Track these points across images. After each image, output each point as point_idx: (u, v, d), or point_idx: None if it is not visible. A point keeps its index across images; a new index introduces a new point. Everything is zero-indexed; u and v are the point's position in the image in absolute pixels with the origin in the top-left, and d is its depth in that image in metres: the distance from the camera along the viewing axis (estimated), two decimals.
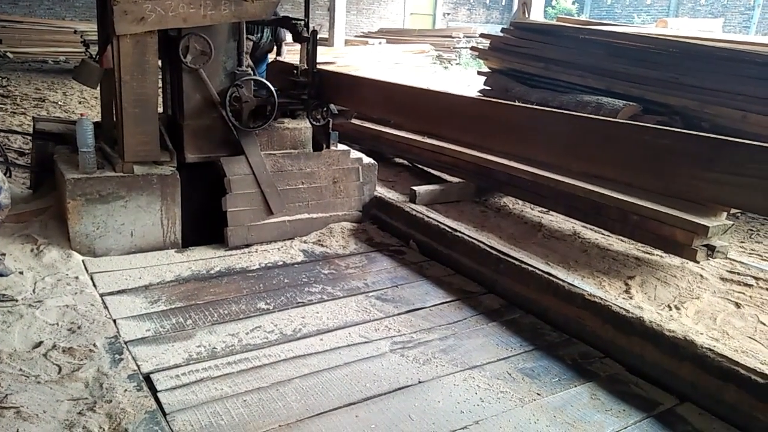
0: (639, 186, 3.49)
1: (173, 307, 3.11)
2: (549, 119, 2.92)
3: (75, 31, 12.13)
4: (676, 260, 3.48)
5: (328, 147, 4.27)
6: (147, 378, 2.48)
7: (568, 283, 3.12)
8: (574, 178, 3.80)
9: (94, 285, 3.24)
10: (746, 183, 2.23)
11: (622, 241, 3.80)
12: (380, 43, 14.70)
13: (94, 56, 4.37)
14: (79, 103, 8.29)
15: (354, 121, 5.48)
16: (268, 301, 3.25)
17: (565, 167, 3.61)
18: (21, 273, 3.19)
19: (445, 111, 3.36)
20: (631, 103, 5.52)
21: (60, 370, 2.44)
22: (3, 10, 14.30)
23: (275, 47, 6.34)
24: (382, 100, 3.95)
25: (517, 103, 3.66)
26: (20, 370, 2.42)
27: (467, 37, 16.66)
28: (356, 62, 11.03)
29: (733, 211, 3.28)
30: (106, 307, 3.01)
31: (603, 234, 3.91)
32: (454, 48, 16.53)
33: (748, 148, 2.24)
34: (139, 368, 2.53)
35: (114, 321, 2.90)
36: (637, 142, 2.60)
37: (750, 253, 3.81)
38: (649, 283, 3.27)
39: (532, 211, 4.42)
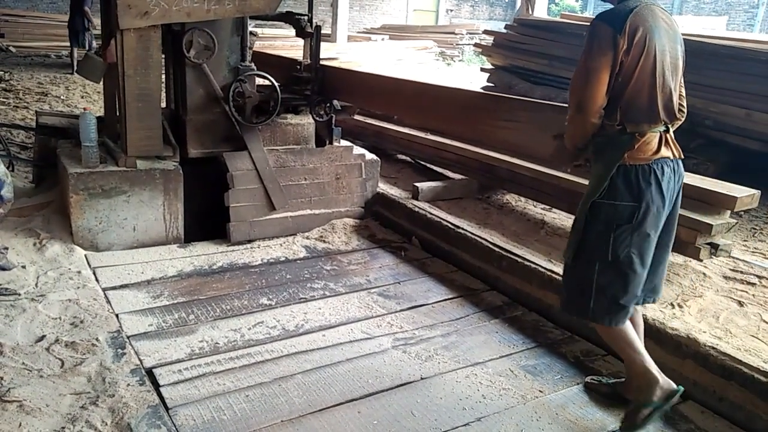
0: (454, 133, 4.55)
1: (176, 302, 3.12)
2: (405, 85, 3.84)
3: None
4: (679, 258, 3.46)
5: (330, 143, 4.26)
6: (149, 372, 2.49)
7: None
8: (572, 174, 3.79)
9: (97, 279, 3.24)
10: (518, 127, 3.02)
11: None
12: (383, 39, 14.66)
13: (97, 50, 4.36)
14: (82, 97, 8.29)
15: (357, 117, 5.48)
16: (271, 297, 3.25)
17: (411, 121, 4.47)
18: (24, 267, 3.19)
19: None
20: None
21: (63, 364, 2.44)
22: (5, 4, 14.29)
23: None
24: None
25: (385, 75, 4.22)
26: (23, 364, 2.42)
27: (470, 33, 16.61)
28: (359, 58, 11.00)
29: (736, 209, 3.26)
30: (108, 302, 3.01)
31: None
32: (456, 44, 16.48)
33: (519, 102, 3.10)
34: (141, 363, 2.53)
35: (116, 315, 2.90)
36: (454, 100, 3.42)
37: (753, 252, 3.80)
38: None
39: (535, 209, 4.41)
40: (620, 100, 2.22)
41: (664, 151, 2.24)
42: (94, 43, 10.25)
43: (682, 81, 2.37)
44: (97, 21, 6.70)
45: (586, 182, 2.38)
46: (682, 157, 2.32)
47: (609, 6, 2.31)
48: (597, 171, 2.29)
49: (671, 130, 2.30)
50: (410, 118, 4.94)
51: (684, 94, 2.39)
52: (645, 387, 2.30)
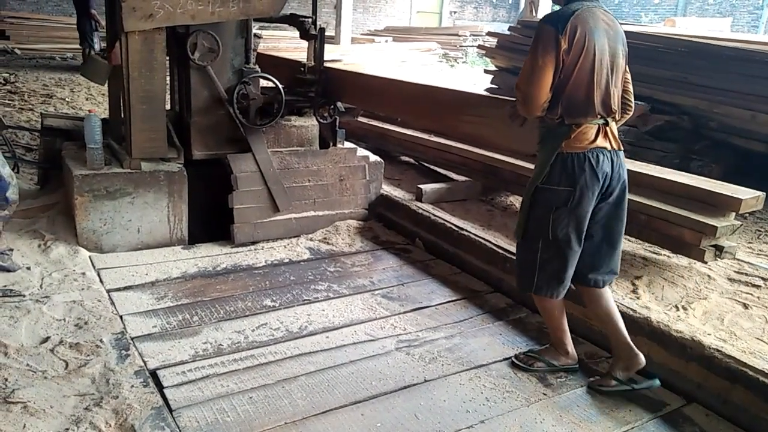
0: (427, 127, 4.84)
1: (179, 303, 3.12)
2: (388, 85, 4.02)
3: None
4: (683, 260, 3.46)
5: (334, 145, 4.27)
6: (153, 374, 2.49)
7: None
8: None
9: (101, 281, 3.25)
10: (483, 122, 3.25)
11: (629, 240, 3.78)
12: (387, 41, 14.65)
13: (102, 53, 4.37)
14: (87, 99, 8.31)
15: (360, 119, 5.47)
16: (274, 299, 3.25)
17: (395, 116, 4.64)
18: (28, 268, 3.20)
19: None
20: (639, 102, 5.48)
21: (67, 365, 2.45)
22: (11, 6, 14.35)
23: None
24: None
25: (384, 76, 4.30)
26: (27, 365, 2.43)
27: (474, 35, 16.59)
28: (363, 60, 11.01)
29: (741, 211, 3.25)
30: (112, 303, 3.01)
31: None
32: (460, 46, 16.47)
33: (484, 98, 3.38)
34: (145, 364, 2.54)
35: (120, 317, 2.91)
36: (427, 97, 3.66)
37: (758, 254, 3.79)
38: (657, 284, 3.26)
39: None
40: (561, 95, 2.40)
41: (601, 142, 2.43)
42: (97, 45, 10.31)
43: (629, 78, 2.61)
44: (102, 23, 6.72)
45: None
46: (622, 148, 2.52)
47: (557, 7, 2.50)
48: (539, 159, 2.53)
49: (612, 124, 2.48)
50: (414, 120, 5.01)
51: (631, 90, 2.62)
52: (555, 350, 2.72)
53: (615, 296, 2.98)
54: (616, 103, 2.48)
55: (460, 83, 8.42)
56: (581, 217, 2.46)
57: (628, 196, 2.56)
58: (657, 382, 2.55)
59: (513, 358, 2.77)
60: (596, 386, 2.59)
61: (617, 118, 2.52)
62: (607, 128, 2.45)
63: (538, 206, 2.50)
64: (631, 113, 2.64)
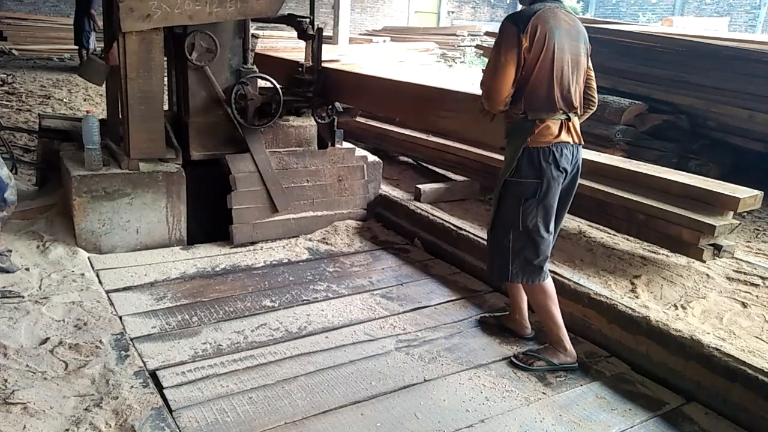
0: (409, 122, 4.98)
1: (179, 304, 3.12)
2: (368, 81, 4.14)
3: None
4: (682, 259, 3.46)
5: (333, 145, 4.27)
6: (153, 375, 2.49)
7: (574, 282, 3.11)
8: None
9: (100, 282, 3.24)
10: (455, 116, 3.39)
11: (627, 240, 3.78)
12: (384, 41, 14.64)
13: (99, 53, 4.37)
14: (84, 100, 8.30)
15: (359, 119, 5.47)
16: (274, 299, 3.25)
17: (378, 112, 4.70)
18: (27, 270, 3.20)
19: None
20: (637, 102, 5.50)
21: (66, 366, 2.45)
22: (8, 7, 14.31)
23: None
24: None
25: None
26: (27, 366, 2.42)
27: (472, 35, 16.59)
28: (360, 60, 11.00)
29: (740, 210, 3.26)
30: (111, 304, 3.01)
31: (609, 233, 3.89)
32: (458, 46, 16.47)
33: (458, 94, 3.41)
34: (145, 365, 2.54)
35: (120, 318, 2.90)
36: (409, 94, 3.79)
37: (756, 253, 3.79)
38: (655, 283, 3.26)
39: None
40: (524, 91, 2.53)
41: (564, 136, 2.57)
42: (92, 45, 10.33)
43: (592, 75, 2.74)
44: (101, 24, 6.72)
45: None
46: (582, 143, 2.67)
47: (522, 7, 2.62)
48: (508, 153, 2.67)
49: (574, 119, 2.61)
50: (397, 115, 5.10)
51: (594, 86, 2.75)
52: (554, 349, 2.75)
53: (613, 295, 2.99)
54: (577, 99, 2.60)
55: (458, 83, 8.41)
56: (549, 207, 2.62)
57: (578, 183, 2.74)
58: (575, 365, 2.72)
59: (512, 358, 2.79)
60: (521, 362, 2.74)
61: (579, 113, 2.66)
62: (570, 123, 2.59)
63: (508, 198, 2.64)
64: (594, 108, 2.79)
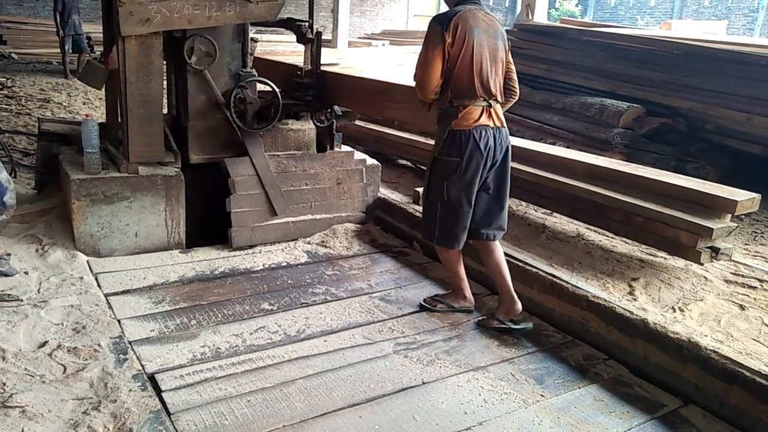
0: (365, 112, 5.22)
1: (177, 307, 3.12)
2: (343, 81, 4.26)
3: None
4: (680, 262, 3.47)
5: (331, 148, 4.28)
6: (151, 378, 2.49)
7: (572, 285, 3.12)
8: (577, 180, 3.80)
9: (99, 285, 3.25)
10: (399, 107, 3.73)
11: (625, 242, 3.79)
12: (383, 44, 14.67)
13: (99, 57, 4.37)
14: (84, 104, 8.31)
15: (358, 122, 5.49)
16: (272, 302, 3.25)
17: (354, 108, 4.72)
18: (26, 273, 3.20)
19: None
20: (634, 105, 5.51)
21: (65, 369, 2.45)
22: (8, 11, 14.33)
23: None
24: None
25: (336, 70, 4.58)
26: (25, 369, 2.42)
27: None
28: (360, 64, 11.02)
29: (737, 213, 3.27)
30: (110, 307, 3.01)
31: (607, 236, 3.90)
32: None
33: (401, 87, 3.65)
34: (143, 368, 2.54)
35: (118, 321, 2.91)
36: (364, 87, 4.08)
37: (754, 255, 3.80)
38: (653, 285, 3.27)
39: (536, 213, 4.42)
40: (449, 82, 2.90)
41: (485, 120, 2.93)
42: (68, 47, 10.45)
43: (512, 67, 3.12)
44: (98, 27, 6.73)
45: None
46: (504, 125, 3.02)
47: (446, 9, 2.99)
48: (437, 135, 3.04)
49: (495, 105, 2.96)
50: (359, 109, 5.26)
51: (514, 78, 3.13)
52: (455, 295, 3.27)
53: (611, 297, 3.00)
54: (497, 88, 2.97)
55: None
56: (469, 182, 2.96)
57: (510, 163, 3.09)
58: (530, 325, 3.04)
59: (421, 302, 3.26)
60: (482, 325, 3.10)
61: (500, 100, 3.00)
62: (491, 109, 2.95)
63: (436, 174, 3.03)
64: (516, 97, 3.16)
